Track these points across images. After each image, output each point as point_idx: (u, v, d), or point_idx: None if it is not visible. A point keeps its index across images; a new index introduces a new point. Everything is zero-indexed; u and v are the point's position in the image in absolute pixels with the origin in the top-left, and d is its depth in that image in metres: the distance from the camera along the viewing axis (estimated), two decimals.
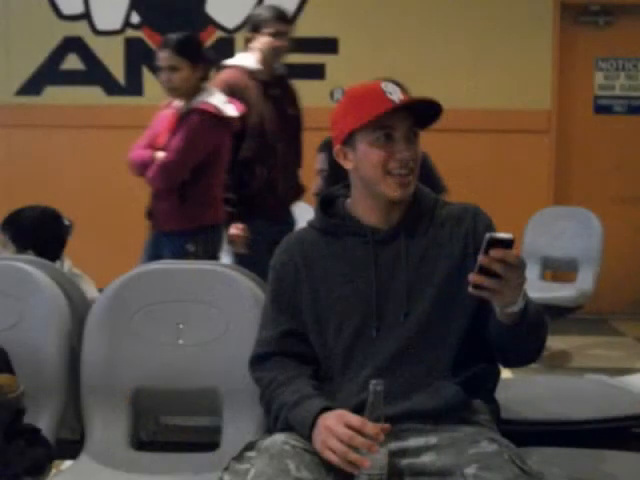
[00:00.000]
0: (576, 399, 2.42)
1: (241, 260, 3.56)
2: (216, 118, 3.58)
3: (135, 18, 6.25)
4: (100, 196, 6.09)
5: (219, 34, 6.19)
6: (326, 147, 4.01)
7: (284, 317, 1.94)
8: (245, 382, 2.02)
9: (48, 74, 6.22)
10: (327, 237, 1.97)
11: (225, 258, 3.77)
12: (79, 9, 6.23)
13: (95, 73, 6.23)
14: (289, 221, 3.95)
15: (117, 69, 6.24)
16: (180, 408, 2.34)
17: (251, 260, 3.25)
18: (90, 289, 3.05)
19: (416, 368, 1.85)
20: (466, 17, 6.14)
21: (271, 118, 3.84)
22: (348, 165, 1.95)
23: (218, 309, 2.23)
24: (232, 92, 3.73)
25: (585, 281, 5.03)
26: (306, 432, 1.76)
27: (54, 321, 2.23)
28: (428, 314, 1.87)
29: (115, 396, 2.21)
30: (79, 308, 2.31)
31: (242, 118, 3.72)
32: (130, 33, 6.24)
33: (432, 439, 1.77)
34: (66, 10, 6.22)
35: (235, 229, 3.76)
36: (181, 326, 2.23)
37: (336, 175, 2.77)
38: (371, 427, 1.66)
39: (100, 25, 6.23)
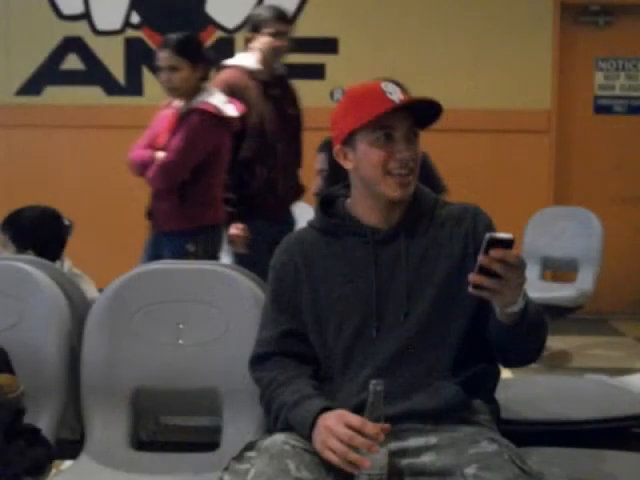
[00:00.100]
0: (576, 399, 2.42)
1: (241, 260, 3.56)
2: (216, 118, 3.58)
3: (135, 18, 6.25)
4: (100, 196, 6.09)
5: (219, 34, 6.19)
6: (326, 147, 4.01)
7: (284, 317, 1.94)
8: (245, 382, 2.02)
9: (48, 74, 6.22)
10: (327, 237, 1.97)
11: (225, 258, 3.77)
12: (79, 9, 6.23)
13: (95, 73, 6.23)
14: (289, 221, 3.95)
15: (117, 69, 6.24)
16: (180, 408, 2.34)
17: (251, 260, 3.24)
18: (90, 289, 3.05)
19: (416, 368, 1.85)
20: (466, 17, 6.14)
21: (271, 118, 3.84)
22: (348, 165, 1.95)
23: (218, 309, 2.23)
24: (232, 92, 3.73)
25: (585, 281, 5.03)
26: (306, 432, 1.76)
27: (54, 321, 2.23)
28: (428, 314, 1.87)
29: (115, 396, 2.21)
30: (79, 308, 2.31)
31: (242, 118, 3.72)
32: (130, 33, 6.24)
33: (432, 439, 1.77)
34: (66, 10, 6.22)
35: (235, 229, 3.76)
36: (181, 326, 2.23)
37: (336, 175, 2.77)
38: (371, 427, 1.66)
39: (100, 25, 6.24)
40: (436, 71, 6.06)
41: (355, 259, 1.92)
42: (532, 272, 5.05)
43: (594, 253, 5.09)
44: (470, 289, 1.65)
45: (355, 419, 1.69)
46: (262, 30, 3.82)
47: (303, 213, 3.79)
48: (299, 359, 1.92)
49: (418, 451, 1.77)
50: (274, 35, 3.82)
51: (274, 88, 3.90)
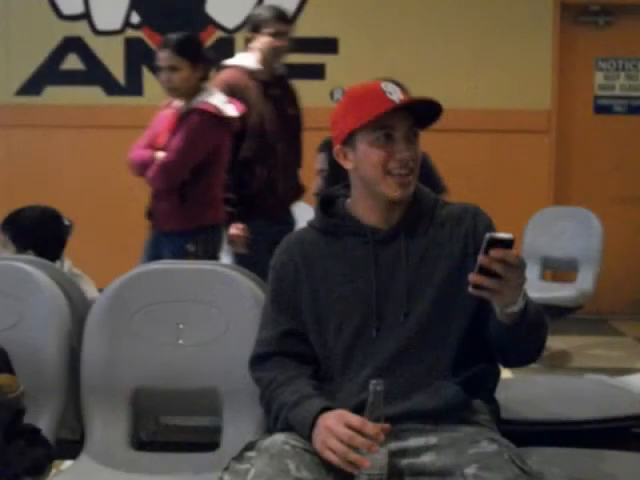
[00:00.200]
0: (576, 399, 2.42)
1: (241, 260, 3.56)
2: (216, 118, 3.58)
3: (135, 18, 6.25)
4: (100, 196, 6.09)
5: (219, 34, 6.19)
6: (326, 147, 4.01)
7: (284, 317, 1.94)
8: (245, 382, 2.02)
9: (48, 74, 6.22)
10: (327, 237, 1.97)
11: (225, 258, 3.77)
12: (79, 9, 6.23)
13: (95, 73, 6.23)
14: (289, 221, 3.95)
15: (117, 69, 6.24)
16: (180, 408, 2.34)
17: (251, 260, 3.25)
18: (90, 289, 3.05)
19: (416, 368, 1.85)
20: (466, 17, 6.14)
21: (271, 118, 3.84)
22: (348, 165, 1.95)
23: (218, 309, 2.23)
24: (232, 92, 3.73)
25: (585, 281, 5.03)
26: (306, 432, 1.76)
27: (54, 321, 2.23)
28: (428, 314, 1.87)
29: (115, 396, 2.21)
30: (79, 308, 2.31)
31: (242, 118, 3.72)
32: (130, 33, 6.24)
33: (432, 439, 1.77)
34: (66, 10, 6.22)
35: (235, 229, 3.76)
36: (181, 326, 2.23)
37: (336, 175, 2.77)
38: (371, 427, 1.66)
39: (100, 25, 6.24)
40: (436, 71, 6.06)
41: (355, 259, 1.92)
42: (532, 272, 5.05)
43: (594, 253, 5.09)
44: (470, 289, 1.65)
45: (355, 419, 1.69)
46: (262, 30, 3.82)
47: (303, 213, 3.79)
48: (299, 359, 1.92)
49: (418, 451, 1.77)
50: (274, 35, 3.82)
51: (274, 88, 3.90)
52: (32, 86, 6.21)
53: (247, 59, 3.87)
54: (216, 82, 3.78)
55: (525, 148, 6.18)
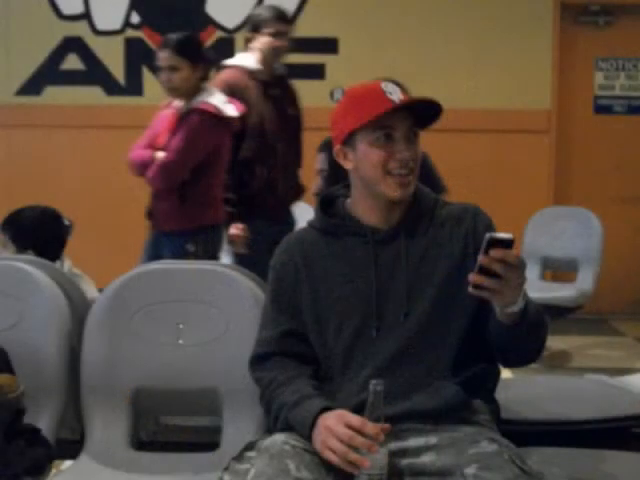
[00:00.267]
0: (576, 399, 2.42)
1: (241, 260, 3.56)
2: (216, 118, 3.58)
3: (135, 18, 6.25)
4: (100, 196, 6.09)
5: (219, 34, 6.19)
6: (326, 147, 4.01)
7: (284, 317, 1.94)
8: (245, 382, 2.02)
9: (48, 74, 6.22)
10: (327, 237, 1.97)
11: (225, 258, 3.77)
12: (79, 9, 6.23)
13: (95, 73, 6.23)
14: (289, 221, 3.95)
15: (117, 69, 6.24)
16: (180, 408, 2.34)
17: (251, 260, 3.24)
18: (90, 289, 3.05)
19: (416, 368, 1.85)
20: (466, 17, 6.14)
21: (271, 118, 3.84)
22: (348, 165, 1.95)
23: (218, 309, 2.23)
24: (232, 92, 3.73)
25: (585, 281, 5.03)
26: (306, 432, 1.76)
27: (54, 321, 2.23)
28: (428, 314, 1.87)
29: (115, 396, 2.21)
30: (79, 308, 2.31)
31: (242, 118, 3.72)
32: (130, 33, 6.24)
33: (432, 439, 1.77)
34: (66, 10, 6.22)
35: (235, 229, 3.76)
36: (181, 326, 2.23)
37: (336, 175, 2.77)
38: (371, 427, 1.66)
39: (100, 25, 6.24)
40: (436, 71, 6.06)
41: (355, 259, 1.92)
42: (532, 272, 5.05)
43: (594, 253, 5.09)
44: (470, 289, 1.65)
45: (355, 419, 1.69)
46: (262, 30, 3.82)
47: (303, 213, 3.79)
48: (299, 359, 1.92)
49: (418, 451, 1.77)
50: (274, 35, 3.82)
51: (274, 88, 3.90)
52: (32, 86, 6.21)
53: (247, 59, 3.87)
54: (216, 82, 3.78)
55: (525, 148, 6.18)
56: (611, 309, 6.27)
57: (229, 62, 3.93)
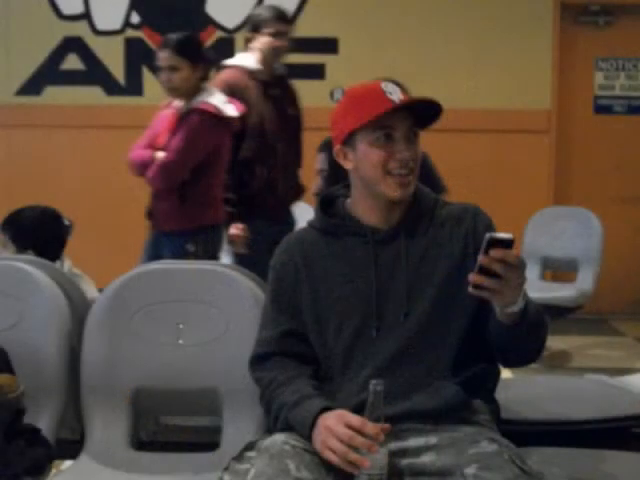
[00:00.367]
0: (576, 399, 2.42)
1: (241, 260, 3.56)
2: (216, 118, 3.58)
3: (135, 18, 6.25)
4: (100, 196, 6.09)
5: (219, 34, 6.19)
6: (326, 147, 4.01)
7: (284, 317, 1.94)
8: (245, 382, 2.02)
9: (48, 74, 6.22)
10: (327, 237, 1.97)
11: (225, 258, 3.77)
12: (79, 9, 6.23)
13: (95, 73, 6.23)
14: (289, 221, 3.95)
15: (117, 69, 6.24)
16: (180, 408, 2.34)
17: (251, 260, 3.25)
18: (90, 289, 3.05)
19: (416, 368, 1.85)
20: (466, 17, 6.14)
21: (271, 118, 3.84)
22: (348, 165, 1.95)
23: (218, 309, 2.23)
24: (232, 92, 3.73)
25: (585, 281, 5.03)
26: (306, 432, 1.76)
27: (54, 321, 2.23)
28: (428, 314, 1.87)
29: (115, 396, 2.21)
30: (79, 308, 2.31)
31: (242, 118, 3.72)
32: (130, 33, 6.24)
33: (432, 439, 1.77)
34: (66, 10, 6.22)
35: (235, 229, 3.76)
36: (181, 326, 2.23)
37: (336, 175, 2.77)
38: (371, 427, 1.66)
39: (100, 25, 6.24)
40: (436, 71, 6.06)
41: (355, 259, 1.92)
42: (532, 272, 5.05)
43: (594, 253, 5.09)
44: (470, 289, 1.65)
45: (355, 419, 1.69)
46: (262, 30, 3.82)
47: (303, 213, 3.79)
48: (299, 359, 1.92)
49: (418, 451, 1.77)
50: (274, 35, 3.82)
51: (274, 88, 3.90)
52: (32, 86, 6.21)
53: (247, 59, 3.87)
54: (216, 82, 3.78)
55: (525, 148, 6.18)
56: (611, 309, 6.27)
57: (229, 62, 3.93)
